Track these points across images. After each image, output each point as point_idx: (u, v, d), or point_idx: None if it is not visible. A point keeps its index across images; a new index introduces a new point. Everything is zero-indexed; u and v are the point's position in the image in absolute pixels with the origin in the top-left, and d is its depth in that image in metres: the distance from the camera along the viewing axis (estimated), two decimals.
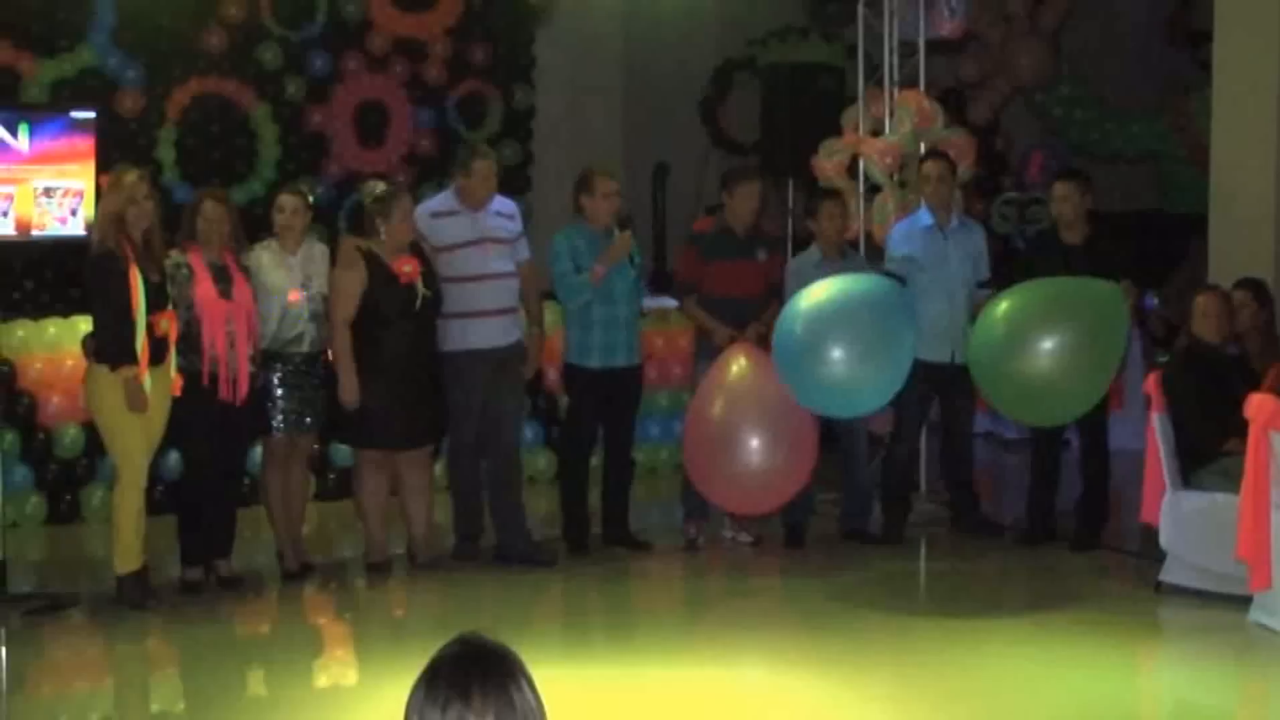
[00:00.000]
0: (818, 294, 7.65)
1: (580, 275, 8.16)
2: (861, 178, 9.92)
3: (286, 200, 7.85)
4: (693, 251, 8.64)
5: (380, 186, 7.98)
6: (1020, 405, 7.91)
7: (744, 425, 7.73)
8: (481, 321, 8.00)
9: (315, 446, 8.57)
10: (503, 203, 8.29)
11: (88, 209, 7.27)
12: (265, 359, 7.64)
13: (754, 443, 7.69)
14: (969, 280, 8.76)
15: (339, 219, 11.62)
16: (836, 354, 7.44)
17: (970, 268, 8.76)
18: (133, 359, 7.02)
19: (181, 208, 8.04)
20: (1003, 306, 7.66)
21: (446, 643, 2.53)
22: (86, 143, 7.40)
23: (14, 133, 7.32)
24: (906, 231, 8.85)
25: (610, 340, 8.25)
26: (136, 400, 7.05)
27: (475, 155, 8.20)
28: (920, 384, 8.35)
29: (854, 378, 7.50)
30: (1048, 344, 7.39)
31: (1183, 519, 7.45)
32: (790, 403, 7.71)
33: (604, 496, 8.55)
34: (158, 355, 7.14)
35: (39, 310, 9.98)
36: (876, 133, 9.86)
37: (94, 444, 8.59)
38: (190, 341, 7.38)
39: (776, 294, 8.55)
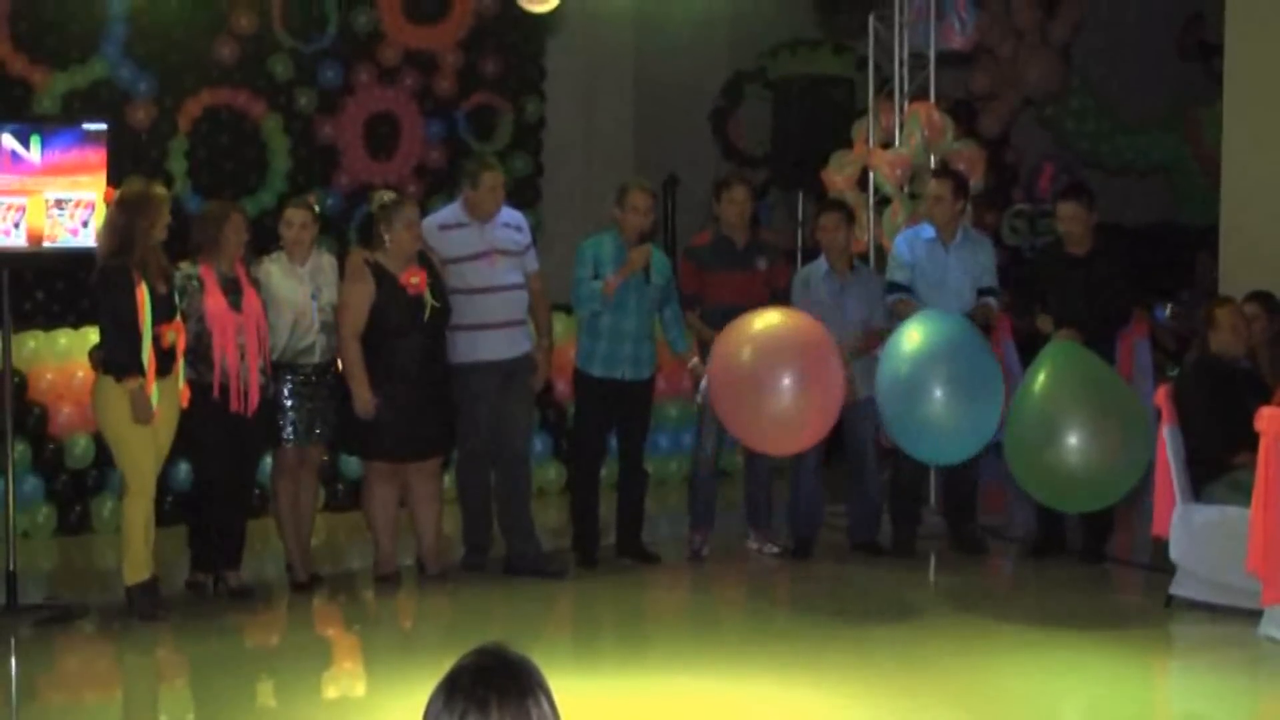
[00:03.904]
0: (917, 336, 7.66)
1: (594, 283, 8.16)
2: (872, 190, 9.90)
3: (294, 215, 7.86)
4: (690, 265, 8.62)
5: (387, 195, 8.01)
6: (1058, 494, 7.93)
7: (768, 365, 7.45)
8: (490, 333, 8.00)
9: (324, 457, 8.56)
10: (511, 214, 8.30)
11: (99, 221, 7.28)
12: (275, 370, 7.65)
13: (783, 382, 7.41)
14: (965, 295, 8.68)
15: (349, 231, 11.63)
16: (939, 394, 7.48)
17: (969, 283, 8.68)
18: (139, 371, 7.04)
19: (191, 219, 8.06)
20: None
21: (467, 652, 2.53)
22: (98, 154, 7.38)
23: (26, 144, 7.30)
24: (909, 240, 8.81)
25: (614, 352, 8.23)
26: (143, 412, 7.06)
27: (483, 168, 8.21)
28: None
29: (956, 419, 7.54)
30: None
31: (1193, 532, 7.41)
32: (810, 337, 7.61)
33: (618, 508, 8.54)
34: (165, 367, 7.16)
35: (50, 321, 10.02)
36: (887, 144, 9.85)
37: (104, 455, 8.59)
38: (201, 353, 7.40)
39: (782, 303, 8.52)
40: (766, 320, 7.63)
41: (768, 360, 7.44)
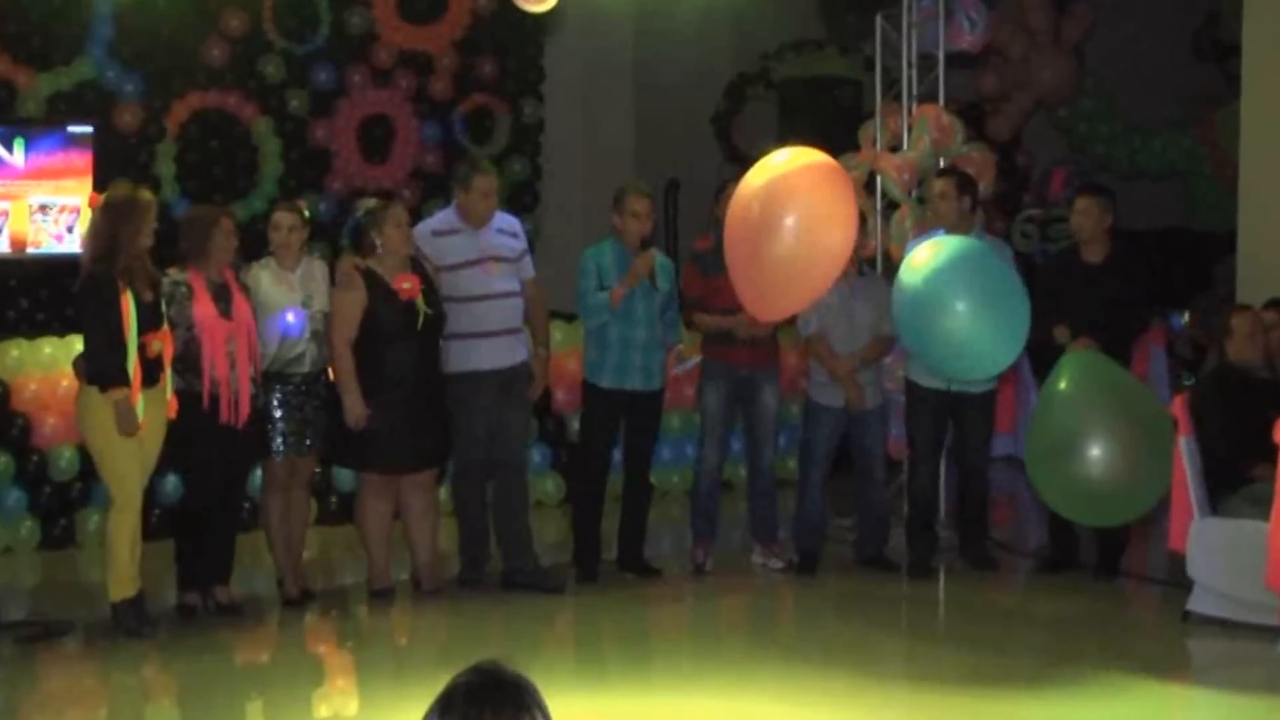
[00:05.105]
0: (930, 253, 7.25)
1: (601, 294, 8.02)
2: (879, 194, 9.78)
3: (282, 217, 7.76)
4: (694, 269, 8.45)
5: (373, 201, 7.95)
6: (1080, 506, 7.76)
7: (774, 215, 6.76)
8: (486, 342, 7.87)
9: (316, 469, 8.41)
10: (506, 220, 8.18)
11: (84, 226, 7.12)
12: (265, 380, 7.55)
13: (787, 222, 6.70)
14: None
15: (342, 236, 11.49)
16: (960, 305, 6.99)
17: None
18: (124, 381, 6.93)
19: (179, 224, 7.91)
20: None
21: (462, 670, 2.55)
22: (84, 158, 7.27)
23: (9, 148, 7.20)
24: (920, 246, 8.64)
25: (625, 362, 8.10)
26: (128, 423, 6.95)
27: (475, 171, 8.07)
28: (926, 406, 8.39)
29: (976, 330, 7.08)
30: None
31: (1211, 546, 7.32)
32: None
33: (621, 521, 8.43)
34: (151, 377, 7.05)
35: (34, 329, 9.93)
36: (894, 148, 9.75)
37: (89, 467, 8.46)
38: (189, 362, 7.30)
39: None
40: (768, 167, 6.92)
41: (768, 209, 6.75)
